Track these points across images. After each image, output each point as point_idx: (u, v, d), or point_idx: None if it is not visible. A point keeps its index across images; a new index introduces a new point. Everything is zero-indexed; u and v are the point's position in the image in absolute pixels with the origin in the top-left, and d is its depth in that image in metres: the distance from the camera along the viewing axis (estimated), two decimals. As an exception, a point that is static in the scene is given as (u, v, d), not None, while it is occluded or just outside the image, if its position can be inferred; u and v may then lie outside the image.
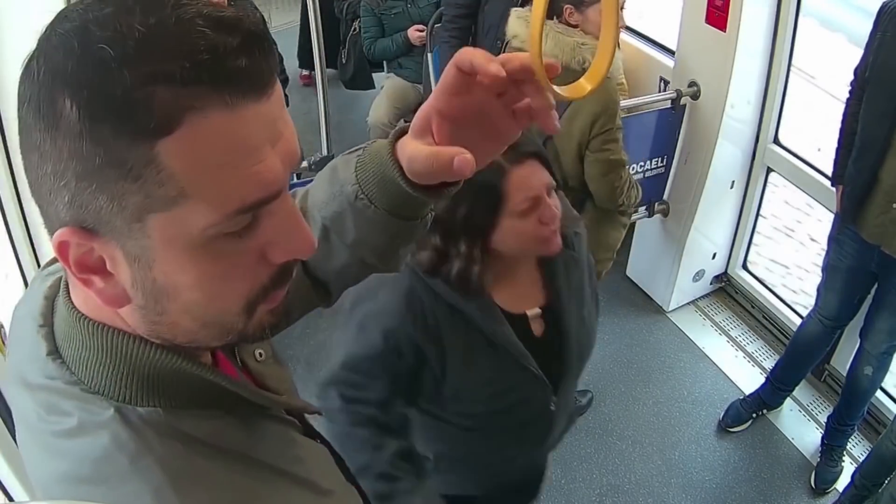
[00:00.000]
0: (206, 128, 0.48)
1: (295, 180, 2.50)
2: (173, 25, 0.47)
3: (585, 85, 0.61)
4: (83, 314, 0.57)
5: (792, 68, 2.73)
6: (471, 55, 0.59)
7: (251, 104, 0.50)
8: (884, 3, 2.04)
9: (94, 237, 0.51)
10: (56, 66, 0.47)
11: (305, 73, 4.61)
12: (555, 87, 0.58)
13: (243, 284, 0.55)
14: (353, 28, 3.81)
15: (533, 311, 1.33)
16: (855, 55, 2.18)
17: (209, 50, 0.47)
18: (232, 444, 0.59)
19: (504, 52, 2.22)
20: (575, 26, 2.01)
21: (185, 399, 0.58)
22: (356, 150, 0.73)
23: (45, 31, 0.49)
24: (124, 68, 0.45)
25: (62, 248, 0.51)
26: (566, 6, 1.99)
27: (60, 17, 0.49)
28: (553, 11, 2.01)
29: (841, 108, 2.25)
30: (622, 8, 1.81)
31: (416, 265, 1.23)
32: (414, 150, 0.64)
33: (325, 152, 2.39)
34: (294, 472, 0.64)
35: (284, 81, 3.37)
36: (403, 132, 0.68)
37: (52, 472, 0.57)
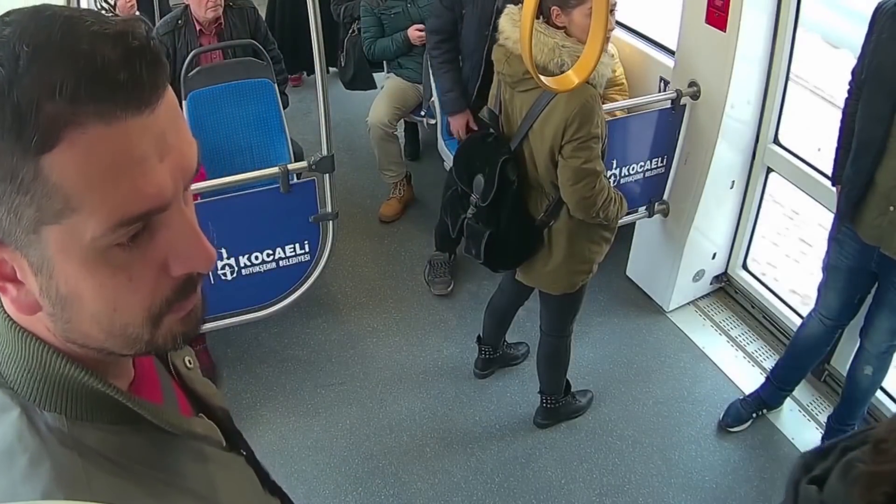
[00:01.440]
0: (86, 142, 0.49)
1: (296, 180, 2.50)
2: (59, 43, 0.49)
3: (573, 77, 0.62)
4: (10, 317, 0.60)
5: (791, 78, 2.73)
6: None
7: (132, 117, 0.51)
8: (879, 3, 2.02)
9: (2, 248, 0.53)
10: None
11: (295, 76, 4.61)
12: (543, 79, 0.59)
13: (144, 296, 0.57)
14: (350, 30, 3.81)
15: None
16: (829, 53, 2.17)
17: (88, 65, 0.49)
18: (133, 460, 0.61)
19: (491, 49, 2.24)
20: (561, 28, 2.01)
21: (92, 413, 0.60)
22: None
23: None
24: (14, 86, 0.48)
25: None
26: (553, 7, 1.99)
27: None
28: (540, 12, 2.01)
29: (839, 111, 2.26)
30: (612, 10, 1.81)
31: None
32: None
33: (325, 152, 2.38)
34: (195, 489, 0.66)
35: (284, 82, 3.37)
36: None
37: None
